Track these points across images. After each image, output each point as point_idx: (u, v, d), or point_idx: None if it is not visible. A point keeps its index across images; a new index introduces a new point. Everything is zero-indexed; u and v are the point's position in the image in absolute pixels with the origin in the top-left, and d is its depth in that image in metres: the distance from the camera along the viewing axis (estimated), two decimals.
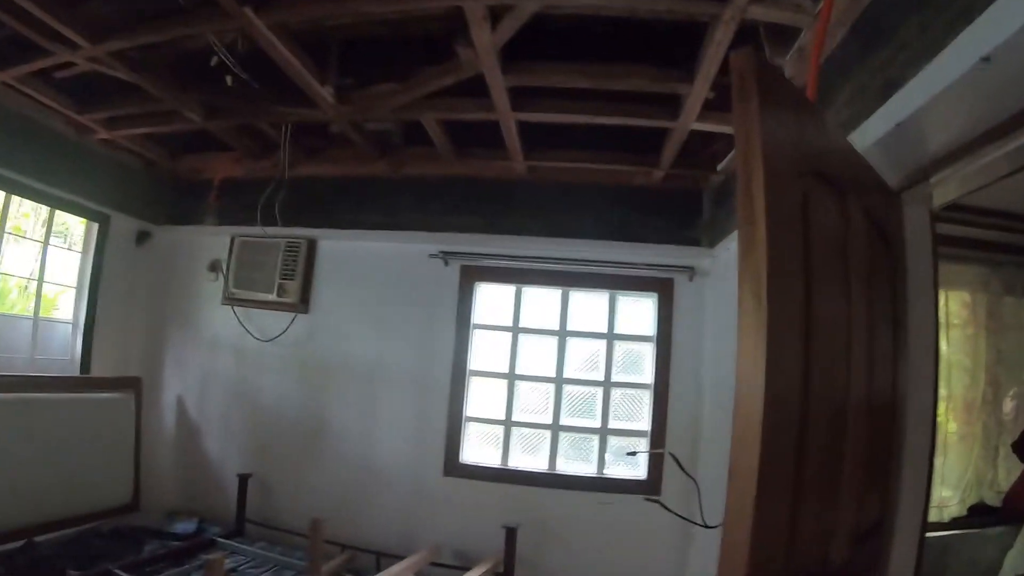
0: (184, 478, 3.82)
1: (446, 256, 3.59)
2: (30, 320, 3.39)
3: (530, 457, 3.53)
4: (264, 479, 3.65)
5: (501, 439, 3.54)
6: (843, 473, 1.17)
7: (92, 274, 3.62)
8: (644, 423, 3.44)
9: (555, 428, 3.50)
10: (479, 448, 3.58)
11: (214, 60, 2.41)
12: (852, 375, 1.18)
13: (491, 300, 3.67)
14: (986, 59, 1.12)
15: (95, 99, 3.03)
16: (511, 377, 3.57)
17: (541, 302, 3.62)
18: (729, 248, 3.01)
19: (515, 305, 3.62)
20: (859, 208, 1.27)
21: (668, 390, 3.39)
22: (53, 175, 3.24)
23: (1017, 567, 2.46)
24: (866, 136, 1.54)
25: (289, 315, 3.71)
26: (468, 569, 3.05)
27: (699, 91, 2.29)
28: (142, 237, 3.94)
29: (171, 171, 3.95)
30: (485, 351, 3.63)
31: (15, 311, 3.54)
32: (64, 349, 3.55)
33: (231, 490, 3.59)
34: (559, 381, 3.53)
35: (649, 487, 3.29)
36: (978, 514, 2.69)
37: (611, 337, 3.53)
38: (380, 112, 2.83)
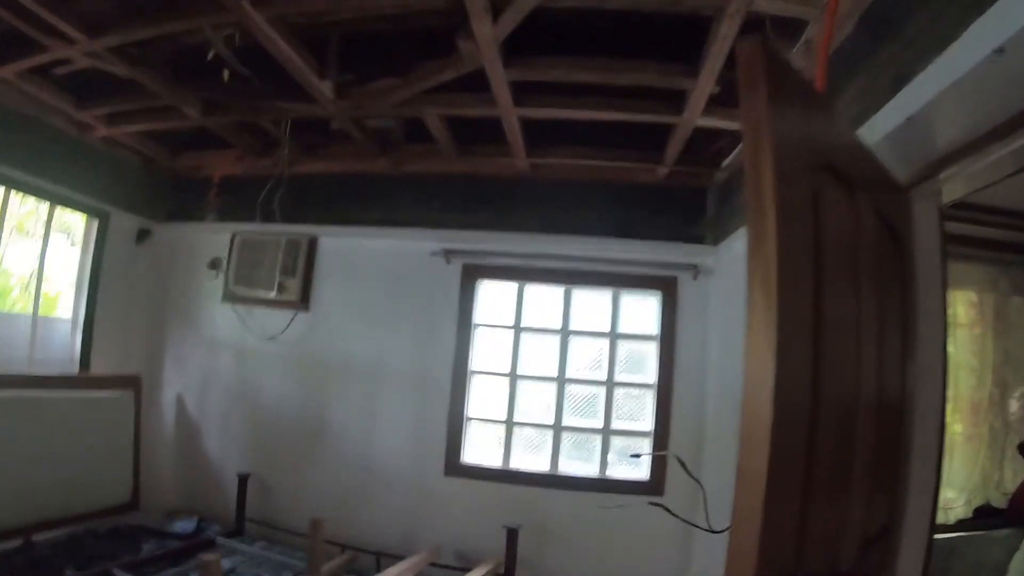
0: (184, 477, 3.81)
1: (448, 254, 3.57)
2: (29, 318, 3.37)
3: (532, 457, 3.50)
4: (264, 478, 3.63)
5: (503, 439, 3.52)
6: (852, 474, 1.14)
7: (92, 272, 3.61)
8: (647, 423, 3.41)
9: (557, 428, 3.47)
10: (480, 448, 3.56)
11: (211, 54, 2.39)
12: (862, 374, 1.15)
13: (493, 298, 3.64)
14: (999, 51, 1.10)
15: (94, 96, 3.02)
16: (513, 376, 3.55)
17: (543, 300, 3.59)
18: (734, 246, 2.98)
19: (517, 303, 3.60)
20: (869, 204, 1.24)
21: (672, 390, 3.36)
22: (53, 172, 3.24)
23: (1023, 570, 2.43)
24: (875, 131, 1.52)
25: (289, 313, 3.69)
26: (469, 570, 3.03)
27: (703, 86, 2.27)
28: (142, 235, 3.93)
29: (171, 168, 3.95)
30: (487, 350, 3.61)
31: (16, 309, 3.52)
32: (63, 347, 3.54)
33: (231, 489, 3.57)
34: (561, 380, 3.50)
35: (652, 488, 3.27)
36: (984, 516, 2.67)
37: (614, 336, 3.50)
38: (380, 108, 2.82)
